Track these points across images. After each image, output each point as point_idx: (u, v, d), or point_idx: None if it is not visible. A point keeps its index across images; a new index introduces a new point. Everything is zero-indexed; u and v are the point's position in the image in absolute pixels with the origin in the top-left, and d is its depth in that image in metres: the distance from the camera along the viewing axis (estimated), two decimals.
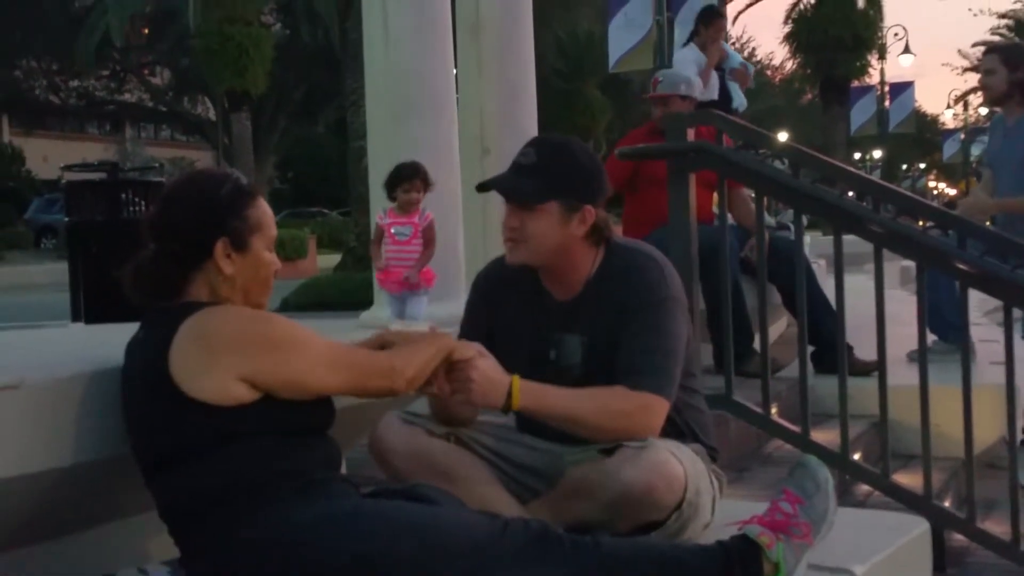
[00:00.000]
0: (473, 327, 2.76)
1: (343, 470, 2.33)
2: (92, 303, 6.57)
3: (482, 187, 2.68)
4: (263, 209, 2.28)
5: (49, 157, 37.57)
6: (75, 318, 6.67)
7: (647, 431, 2.47)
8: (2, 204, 36.89)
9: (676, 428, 2.57)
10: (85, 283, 6.67)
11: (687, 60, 7.67)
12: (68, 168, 9.02)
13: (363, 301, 6.87)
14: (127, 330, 2.26)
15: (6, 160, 39.80)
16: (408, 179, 5.69)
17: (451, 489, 2.36)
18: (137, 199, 6.88)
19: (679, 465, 2.41)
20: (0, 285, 20.86)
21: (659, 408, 2.50)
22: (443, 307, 5.33)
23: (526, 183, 2.56)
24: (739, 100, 7.96)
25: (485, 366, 2.42)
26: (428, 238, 5.77)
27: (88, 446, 2.11)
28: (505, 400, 2.42)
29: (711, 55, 7.67)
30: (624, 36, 14.23)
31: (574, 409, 2.48)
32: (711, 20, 7.92)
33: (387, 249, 5.77)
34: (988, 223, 5.76)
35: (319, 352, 2.19)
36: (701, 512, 2.47)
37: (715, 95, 7.65)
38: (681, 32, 14.33)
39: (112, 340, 2.28)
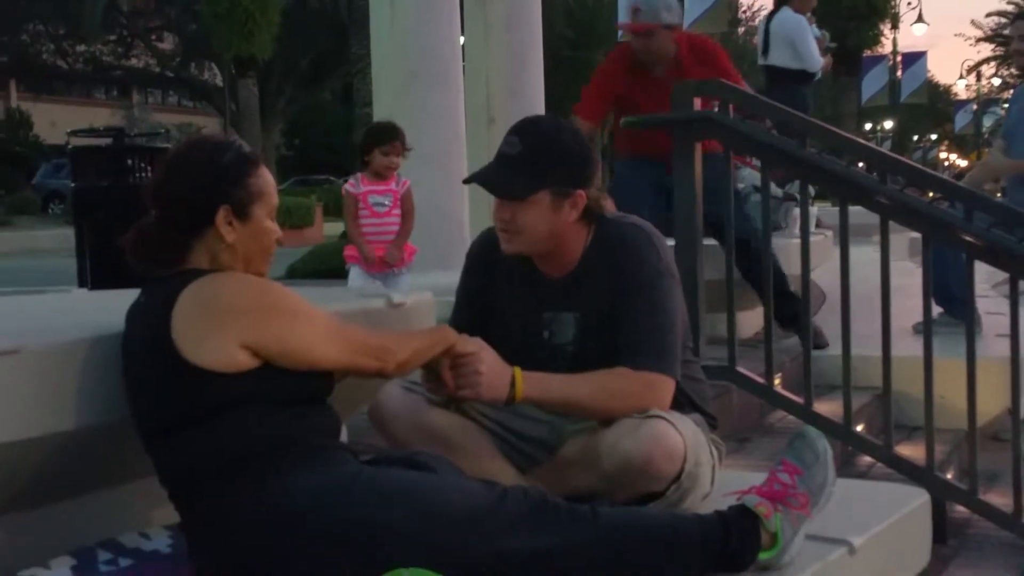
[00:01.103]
0: (467, 299, 2.75)
1: (344, 438, 2.34)
2: (98, 268, 6.58)
3: (468, 181, 2.63)
4: (265, 178, 2.27)
5: (57, 122, 37.56)
6: (81, 283, 6.69)
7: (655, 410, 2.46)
8: (10, 169, 36.97)
9: (675, 398, 2.57)
10: (91, 248, 6.68)
11: (804, 27, 7.86)
12: (74, 133, 9.01)
13: None
14: (130, 296, 2.26)
15: (14, 125, 39.86)
16: (388, 140, 5.11)
17: (450, 457, 2.36)
18: (143, 165, 6.87)
19: (678, 436, 2.41)
20: (8, 250, 20.92)
21: (664, 386, 2.49)
22: (446, 277, 5.30)
23: (513, 175, 2.51)
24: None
25: (489, 359, 2.40)
26: (408, 208, 5.21)
27: (89, 411, 2.12)
28: (509, 392, 2.41)
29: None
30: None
31: (578, 395, 2.47)
32: None
33: (363, 223, 5.20)
34: (999, 194, 5.75)
35: (319, 324, 2.19)
36: (700, 483, 2.47)
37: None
38: (691, 1, 14.26)
39: (115, 306, 2.29)
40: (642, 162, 5.05)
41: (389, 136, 5.13)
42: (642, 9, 4.92)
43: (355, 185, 5.23)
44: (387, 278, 5.21)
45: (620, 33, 14.89)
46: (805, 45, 7.77)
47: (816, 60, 7.84)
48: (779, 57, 7.77)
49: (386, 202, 5.19)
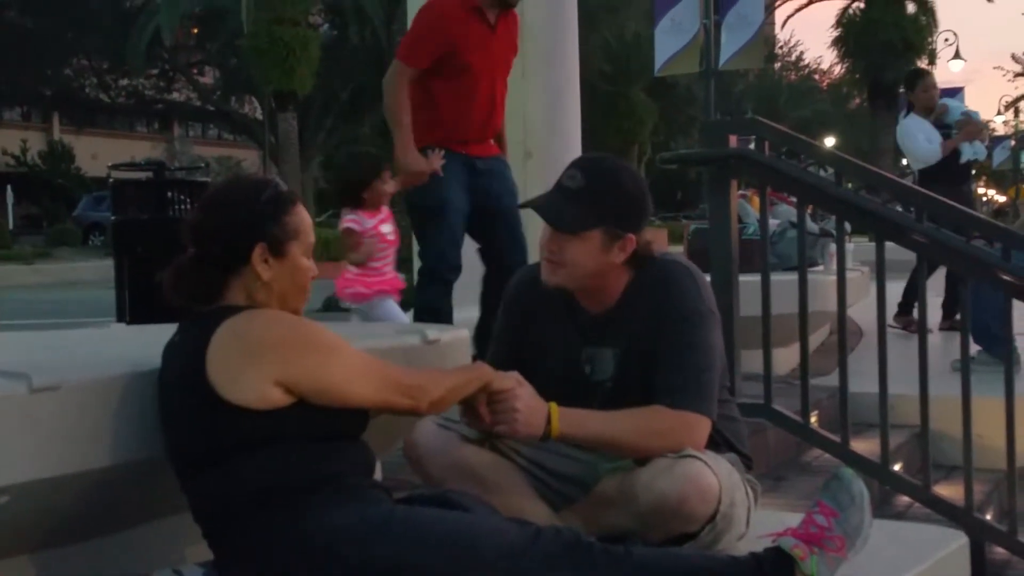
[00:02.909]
0: (506, 335, 2.76)
1: (378, 475, 2.34)
2: (136, 302, 6.64)
3: (523, 206, 2.66)
4: (302, 216, 2.30)
5: (98, 155, 38.09)
6: (120, 317, 6.75)
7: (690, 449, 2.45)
8: (51, 201, 37.49)
9: (710, 437, 2.55)
10: (130, 281, 6.74)
11: (911, 130, 7.54)
12: (115, 167, 9.13)
13: (404, 302, 6.89)
14: (168, 331, 2.28)
15: (56, 158, 40.43)
16: (384, 169, 5.05)
17: (484, 495, 2.37)
18: (183, 198, 6.95)
19: (713, 476, 2.40)
20: (49, 281, 21.19)
21: (700, 426, 2.49)
22: None
23: (570, 209, 2.52)
24: (969, 152, 7.46)
25: (526, 395, 2.40)
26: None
27: (125, 447, 2.13)
28: (545, 428, 2.41)
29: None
30: (670, 39, 14.20)
31: (614, 432, 2.46)
32: (914, 82, 7.78)
33: (382, 254, 5.09)
34: None
35: (353, 362, 2.20)
36: (735, 524, 2.46)
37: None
38: (728, 36, 14.33)
39: (152, 341, 2.31)
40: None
41: (381, 166, 5.12)
42: None
43: (360, 221, 5.07)
44: (387, 301, 5.19)
45: (656, 69, 14.91)
46: (909, 144, 7.44)
47: (923, 152, 7.39)
48: (912, 163, 7.58)
49: (391, 229, 5.20)
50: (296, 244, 2.26)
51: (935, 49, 29.28)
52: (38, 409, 1.99)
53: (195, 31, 35.97)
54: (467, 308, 5.46)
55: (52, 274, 22.41)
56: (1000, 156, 34.53)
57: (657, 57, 14.50)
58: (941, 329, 7.02)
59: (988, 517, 4.05)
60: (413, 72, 4.46)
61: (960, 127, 7.48)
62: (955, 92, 27.96)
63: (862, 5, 27.47)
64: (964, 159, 7.42)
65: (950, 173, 7.24)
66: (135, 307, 6.62)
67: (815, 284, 4.63)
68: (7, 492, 1.96)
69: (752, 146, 4.13)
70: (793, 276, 4.22)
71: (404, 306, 5.32)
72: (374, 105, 32.77)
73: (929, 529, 3.07)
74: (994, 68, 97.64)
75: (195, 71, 38.31)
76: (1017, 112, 41.88)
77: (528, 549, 2.09)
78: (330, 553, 2.04)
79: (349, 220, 5.11)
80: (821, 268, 7.08)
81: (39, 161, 40.57)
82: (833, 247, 5.46)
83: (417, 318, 4.41)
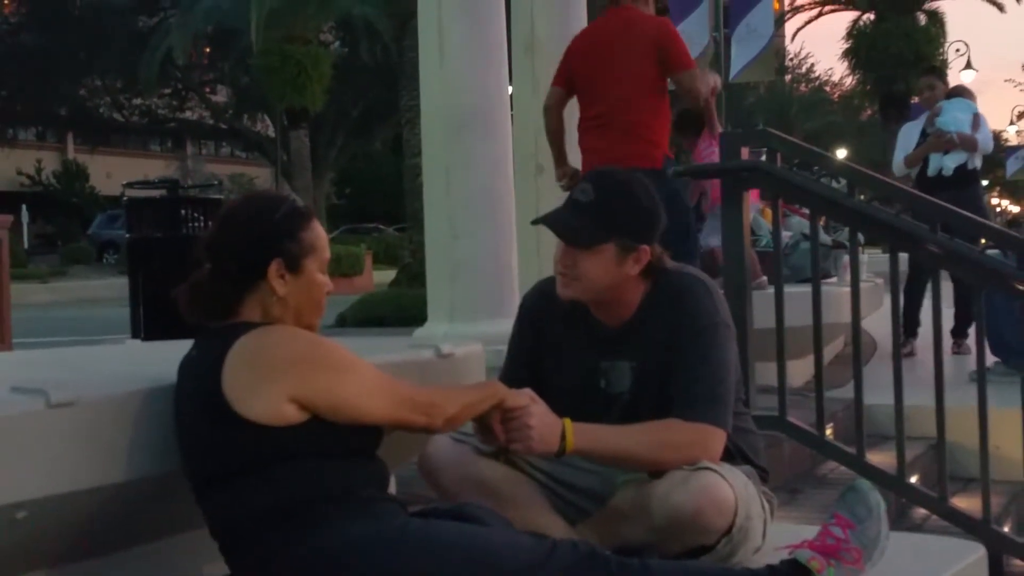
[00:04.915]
0: (521, 350, 2.76)
1: (392, 489, 2.34)
2: (151, 319, 6.67)
3: (536, 222, 2.67)
4: (317, 232, 2.30)
5: (112, 174, 38.27)
6: (135, 334, 6.78)
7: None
8: (66, 219, 37.68)
9: (725, 450, 2.55)
10: (144, 299, 6.78)
11: (898, 140, 7.55)
12: (130, 185, 9.18)
13: (418, 317, 6.90)
14: (183, 347, 2.29)
15: (71, 176, 40.67)
16: None
17: (499, 509, 2.36)
18: (196, 216, 6.99)
19: (729, 489, 2.39)
20: (64, 299, 21.30)
21: (715, 438, 2.48)
22: (497, 324, 5.30)
23: (582, 223, 2.53)
24: (936, 164, 7.14)
25: (540, 412, 2.39)
26: None
27: (141, 463, 2.14)
28: (559, 444, 2.40)
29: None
30: None
31: (628, 447, 2.46)
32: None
33: None
34: None
35: (368, 379, 2.20)
36: (751, 536, 2.45)
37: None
38: (738, 49, 14.32)
39: (168, 358, 2.31)
40: None
41: None
42: None
43: None
44: None
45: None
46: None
47: (894, 163, 7.41)
48: None
49: None
50: (312, 260, 2.27)
51: (946, 59, 29.24)
52: (55, 425, 2.00)
53: (207, 50, 36.10)
54: (486, 321, 5.47)
55: (67, 292, 22.53)
56: (1013, 166, 34.38)
57: None
58: (953, 352, 6.84)
59: (1006, 529, 4.04)
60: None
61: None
62: None
63: (872, 17, 27.46)
64: (931, 171, 7.19)
65: (923, 185, 6.96)
66: (150, 324, 6.66)
67: (829, 296, 4.62)
68: (24, 507, 1.96)
69: (764, 158, 4.13)
70: (807, 288, 4.21)
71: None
72: (384, 122, 32.88)
73: (946, 541, 3.06)
74: (1005, 81, 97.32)
75: (207, 90, 38.44)
76: None
77: (544, 563, 2.09)
78: (345, 567, 2.04)
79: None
80: (834, 280, 7.06)
81: (54, 180, 40.81)
82: (846, 259, 5.44)
83: None
